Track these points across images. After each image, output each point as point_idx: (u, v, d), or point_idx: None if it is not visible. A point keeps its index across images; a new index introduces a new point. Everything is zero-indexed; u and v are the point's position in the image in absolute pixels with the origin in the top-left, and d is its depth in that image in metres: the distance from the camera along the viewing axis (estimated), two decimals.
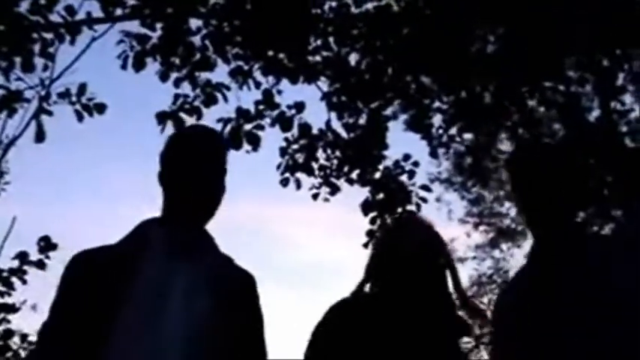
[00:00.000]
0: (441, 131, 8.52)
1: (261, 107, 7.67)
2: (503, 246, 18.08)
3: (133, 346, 2.23)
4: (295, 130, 7.71)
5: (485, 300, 17.74)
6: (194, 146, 2.53)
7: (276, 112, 7.68)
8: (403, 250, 2.71)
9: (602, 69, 12.95)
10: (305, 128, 7.70)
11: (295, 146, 8.40)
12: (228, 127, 7.64)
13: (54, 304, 2.37)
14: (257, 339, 2.55)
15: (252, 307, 2.57)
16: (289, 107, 7.73)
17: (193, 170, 2.48)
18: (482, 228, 17.97)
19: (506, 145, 16.11)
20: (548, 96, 13.28)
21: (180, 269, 2.38)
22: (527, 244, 17.79)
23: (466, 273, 18.41)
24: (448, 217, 18.11)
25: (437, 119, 8.59)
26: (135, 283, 2.29)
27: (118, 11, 7.73)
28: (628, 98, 14.81)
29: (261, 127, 7.57)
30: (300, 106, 7.71)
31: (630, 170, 3.02)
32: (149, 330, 2.26)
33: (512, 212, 17.14)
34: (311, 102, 8.13)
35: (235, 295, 2.49)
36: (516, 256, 17.94)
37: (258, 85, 7.87)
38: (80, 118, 7.38)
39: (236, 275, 2.57)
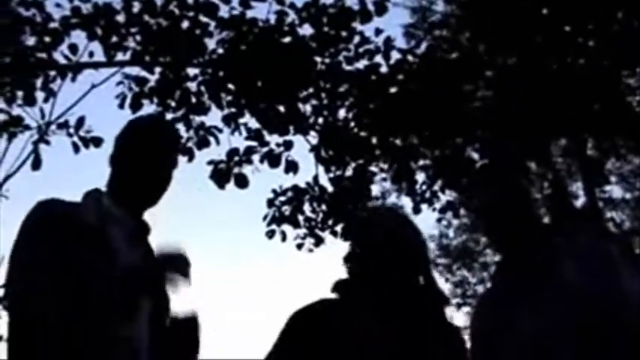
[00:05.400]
0: (424, 187, 8.77)
1: (250, 143, 7.97)
2: None
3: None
4: (283, 167, 7.92)
5: None
6: (155, 138, 2.70)
7: (265, 150, 7.97)
8: (369, 239, 2.81)
9: (588, 158, 13.26)
10: (292, 165, 7.94)
11: (282, 198, 8.68)
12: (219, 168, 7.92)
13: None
14: None
15: None
16: (278, 145, 8.01)
17: (153, 162, 2.65)
18: (465, 309, 18.05)
19: None
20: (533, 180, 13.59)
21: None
22: None
23: None
24: None
25: (420, 176, 8.86)
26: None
27: (119, 55, 8.05)
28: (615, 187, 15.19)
29: (250, 162, 7.86)
30: (288, 144, 7.99)
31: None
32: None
33: None
34: (298, 156, 8.43)
35: None
36: None
37: (249, 130, 8.16)
38: (77, 149, 7.64)
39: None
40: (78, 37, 7.80)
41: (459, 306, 17.83)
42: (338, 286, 2.81)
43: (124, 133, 2.74)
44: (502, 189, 2.72)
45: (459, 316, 18.40)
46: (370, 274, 2.77)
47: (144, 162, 2.64)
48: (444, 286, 18.35)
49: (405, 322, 2.64)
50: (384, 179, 9.65)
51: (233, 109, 8.21)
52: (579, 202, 14.06)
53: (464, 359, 2.75)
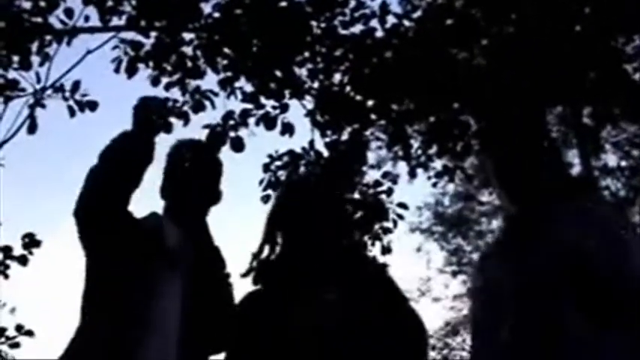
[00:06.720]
0: (419, 152, 8.80)
1: (246, 107, 7.98)
2: None
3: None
4: (278, 129, 7.93)
5: (459, 340, 17.94)
6: (198, 163, 3.02)
7: (260, 112, 7.98)
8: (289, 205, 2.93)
9: (584, 126, 13.29)
10: (288, 127, 7.95)
11: (278, 163, 8.70)
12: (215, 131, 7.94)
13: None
14: None
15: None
16: (274, 107, 8.03)
17: (200, 183, 2.99)
18: (460, 278, 18.12)
19: (486, 196, 16.45)
20: None
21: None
22: None
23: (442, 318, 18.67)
24: (427, 267, 18.32)
25: (416, 141, 8.88)
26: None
27: (115, 19, 8.05)
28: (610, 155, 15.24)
29: (246, 124, 7.88)
30: (284, 107, 8.00)
31: None
32: None
33: None
34: (294, 121, 8.42)
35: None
36: None
37: (245, 94, 8.17)
38: (72, 113, 7.66)
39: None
40: (73, 1, 7.84)
41: (454, 274, 17.92)
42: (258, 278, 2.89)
43: (172, 164, 3.06)
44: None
45: (454, 284, 18.48)
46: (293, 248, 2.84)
47: (192, 189, 2.99)
48: (440, 254, 18.46)
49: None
50: (380, 147, 9.67)
51: (229, 73, 8.21)
52: (575, 171, 14.06)
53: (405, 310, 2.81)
